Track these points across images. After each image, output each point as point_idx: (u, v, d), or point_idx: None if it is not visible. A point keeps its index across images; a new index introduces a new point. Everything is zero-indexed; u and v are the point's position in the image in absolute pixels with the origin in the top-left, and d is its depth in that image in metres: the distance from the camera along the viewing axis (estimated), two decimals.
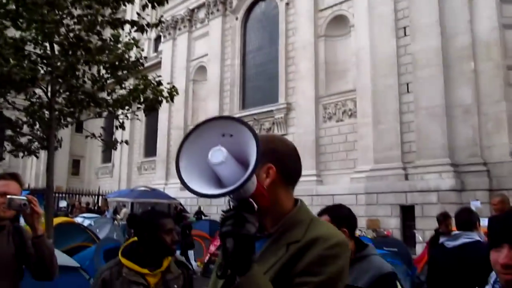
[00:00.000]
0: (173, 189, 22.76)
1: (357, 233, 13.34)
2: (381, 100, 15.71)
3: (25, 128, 8.59)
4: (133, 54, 8.47)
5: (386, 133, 15.40)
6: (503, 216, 1.41)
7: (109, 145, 9.40)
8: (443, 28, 14.61)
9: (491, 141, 13.61)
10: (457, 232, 3.79)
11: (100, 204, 25.68)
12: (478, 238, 3.66)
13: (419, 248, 12.63)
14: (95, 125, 13.41)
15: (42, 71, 7.78)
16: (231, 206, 1.15)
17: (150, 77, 8.97)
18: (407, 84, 15.26)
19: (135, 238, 2.63)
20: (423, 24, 14.93)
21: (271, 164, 1.33)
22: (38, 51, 7.72)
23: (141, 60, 8.48)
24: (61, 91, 7.82)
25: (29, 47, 7.73)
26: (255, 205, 1.14)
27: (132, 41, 8.13)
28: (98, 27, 7.53)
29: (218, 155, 1.09)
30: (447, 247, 3.75)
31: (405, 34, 15.62)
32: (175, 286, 2.57)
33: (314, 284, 1.19)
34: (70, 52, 7.32)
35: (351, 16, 18.18)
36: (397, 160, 15.01)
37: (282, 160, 1.36)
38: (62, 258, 4.65)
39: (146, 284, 2.46)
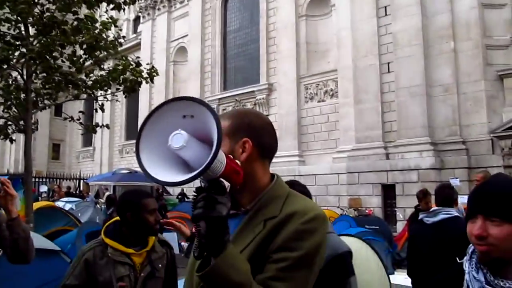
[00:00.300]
0: None
1: (339, 212, 13.60)
2: (362, 80, 15.75)
3: (1, 112, 8.40)
4: (111, 34, 8.29)
5: (367, 112, 15.48)
6: (478, 188, 1.43)
7: (89, 129, 9.24)
8: (423, 7, 14.63)
9: (470, 120, 13.80)
10: (436, 208, 3.83)
11: (81, 188, 25.46)
12: (457, 214, 3.71)
13: (400, 226, 12.86)
14: (75, 108, 13.24)
15: (17, 53, 7.57)
16: (203, 187, 1.13)
17: (129, 58, 8.82)
18: (388, 64, 15.31)
19: (117, 218, 2.59)
20: (404, 3, 14.91)
21: (247, 138, 1.30)
22: (12, 31, 7.51)
23: (119, 40, 8.31)
24: (38, 72, 7.64)
25: (4, 28, 7.51)
26: (226, 184, 1.13)
27: (110, 20, 7.94)
28: (73, 7, 7.33)
29: (178, 139, 1.06)
30: (426, 223, 3.79)
31: (386, 14, 15.61)
32: (160, 265, 2.55)
33: (292, 260, 1.17)
34: (45, 33, 7.13)
35: None
36: (378, 139, 15.14)
37: (258, 134, 1.33)
38: (42, 242, 4.58)
39: (132, 263, 2.44)
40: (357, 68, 15.93)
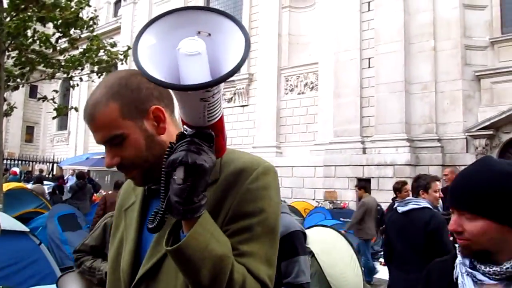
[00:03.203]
0: None
1: (315, 204, 13.67)
2: (342, 74, 15.81)
3: None
4: (85, 13, 8.12)
5: (346, 107, 15.56)
6: (453, 180, 1.40)
7: (59, 111, 8.98)
8: (406, 4, 14.73)
9: (446, 118, 14.00)
10: (408, 198, 4.07)
11: (54, 172, 25.03)
12: (426, 205, 3.85)
13: None
14: (51, 89, 12.94)
15: None
16: (186, 134, 0.92)
17: (105, 41, 8.68)
18: (369, 59, 15.39)
19: None
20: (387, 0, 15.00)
21: (155, 106, 1.10)
22: None
23: (95, 20, 8.14)
24: (10, 49, 7.40)
25: None
26: (214, 136, 0.93)
27: (83, 0, 7.74)
28: None
29: (193, 44, 0.85)
30: (398, 212, 3.98)
31: (369, 9, 15.67)
32: None
33: (255, 226, 1.02)
34: (22, 8, 6.90)
35: None
36: (356, 134, 15.24)
37: (157, 93, 1.11)
38: (10, 223, 4.48)
39: None
40: (338, 62, 15.98)
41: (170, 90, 0.99)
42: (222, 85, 0.88)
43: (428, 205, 3.85)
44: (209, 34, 0.89)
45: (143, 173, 1.10)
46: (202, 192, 0.89)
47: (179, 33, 0.88)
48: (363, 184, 9.63)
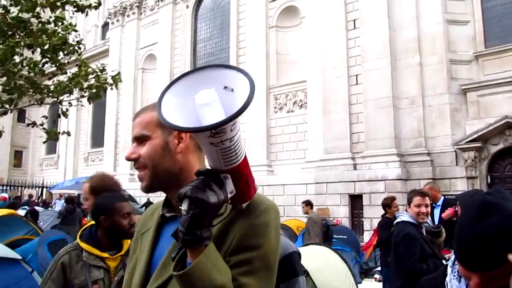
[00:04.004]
0: (121, 180, 22.20)
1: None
2: (331, 91, 15.94)
3: None
4: (71, 38, 8.14)
5: (336, 123, 15.66)
6: (468, 235, 1.16)
7: (50, 136, 8.96)
8: (391, 21, 14.96)
9: (434, 132, 14.12)
10: (399, 212, 4.25)
11: (44, 197, 24.75)
12: (405, 219, 3.99)
13: (367, 236, 13.00)
14: (40, 114, 12.86)
15: None
16: (203, 171, 1.06)
17: (94, 66, 8.69)
18: (356, 76, 15.55)
19: (92, 222, 2.61)
20: (372, 17, 15.22)
21: None
22: None
23: (80, 45, 8.16)
24: None
25: None
26: (224, 181, 1.04)
27: (69, 26, 7.75)
28: (37, 8, 7.13)
29: (206, 95, 0.99)
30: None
31: (354, 27, 15.89)
32: None
33: (254, 260, 1.10)
34: (9, 35, 6.90)
35: (302, 7, 18.30)
36: (346, 150, 15.31)
37: None
38: (2, 250, 4.42)
39: (106, 267, 2.45)
40: (326, 80, 16.12)
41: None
42: (238, 135, 1.00)
43: (408, 219, 3.92)
44: (232, 90, 1.02)
45: (150, 176, 1.25)
46: (207, 227, 1.00)
47: (204, 87, 1.02)
48: (309, 202, 10.38)
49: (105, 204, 2.55)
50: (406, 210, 4.11)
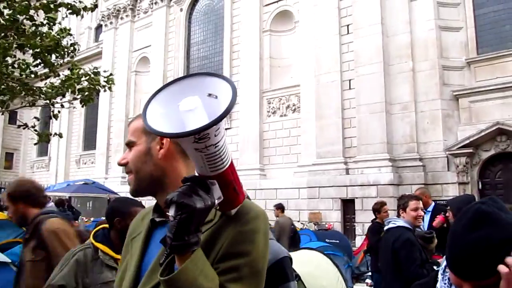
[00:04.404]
0: (113, 183, 22.16)
1: (300, 226, 13.62)
2: (324, 96, 15.97)
3: None
4: (65, 41, 8.09)
5: (328, 128, 15.69)
6: (450, 242, 1.19)
7: (42, 138, 8.89)
8: (384, 27, 15.04)
9: (427, 138, 14.19)
10: (389, 218, 4.19)
11: None
12: (401, 224, 3.95)
13: (359, 241, 13.01)
14: (31, 116, 12.76)
15: None
16: (189, 178, 1.07)
17: (87, 68, 8.63)
18: (349, 81, 15.60)
19: (106, 225, 2.63)
20: (366, 22, 15.29)
21: None
22: None
23: (75, 46, 8.11)
24: None
25: None
26: (211, 186, 1.06)
27: (63, 29, 7.71)
28: (31, 10, 7.09)
29: (189, 102, 1.01)
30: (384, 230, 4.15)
31: (348, 32, 15.95)
32: None
33: (242, 267, 1.11)
34: (2, 34, 6.85)
35: (296, 12, 18.35)
36: (339, 155, 15.33)
37: None
38: None
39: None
40: (319, 84, 16.16)
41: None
42: (223, 141, 1.02)
43: (405, 224, 3.92)
44: (216, 97, 1.03)
45: (135, 180, 1.30)
46: (195, 232, 1.01)
47: (186, 96, 1.04)
48: (280, 205, 10.37)
49: (120, 207, 2.61)
50: (399, 215, 4.08)
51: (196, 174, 1.10)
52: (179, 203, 0.98)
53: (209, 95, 1.04)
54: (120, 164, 1.33)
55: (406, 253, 3.71)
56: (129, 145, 1.33)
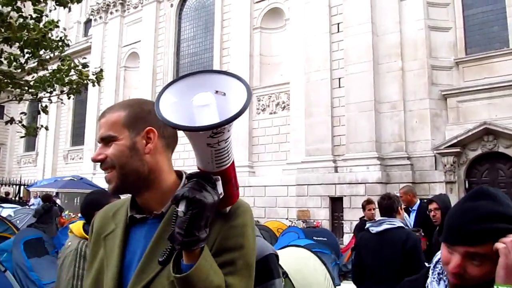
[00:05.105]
0: (101, 179, 22.01)
1: (288, 223, 13.65)
2: (313, 93, 16.01)
3: None
4: (55, 34, 7.99)
5: (318, 126, 15.73)
6: (460, 215, 1.25)
7: (29, 131, 8.78)
8: (374, 26, 15.09)
9: (415, 136, 14.29)
10: (381, 218, 3.98)
11: (21, 195, 24.34)
12: (400, 224, 3.87)
13: (347, 238, 13.06)
14: (19, 111, 12.62)
15: None
16: (194, 174, 1.09)
17: (76, 61, 8.55)
18: (339, 79, 15.64)
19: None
20: (356, 21, 15.34)
21: (151, 128, 1.23)
22: None
23: (65, 41, 8.02)
24: None
25: None
26: (216, 182, 1.08)
27: (51, 21, 7.60)
28: (18, 2, 6.98)
29: (204, 97, 1.02)
30: (371, 232, 3.94)
31: (338, 30, 15.99)
32: None
33: (236, 260, 1.13)
34: None
35: (286, 10, 18.36)
36: (328, 152, 15.38)
37: (161, 123, 1.14)
38: None
39: None
40: (309, 82, 16.19)
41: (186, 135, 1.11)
42: (231, 138, 1.04)
43: (402, 224, 3.89)
44: (224, 94, 1.05)
45: (118, 177, 1.21)
46: (204, 227, 1.03)
47: (198, 91, 1.06)
48: None
49: (101, 199, 2.56)
50: (391, 215, 3.98)
51: (198, 170, 1.11)
52: (190, 198, 0.99)
53: (216, 92, 1.05)
54: (96, 160, 1.22)
55: (420, 254, 3.68)
56: (107, 139, 1.22)
